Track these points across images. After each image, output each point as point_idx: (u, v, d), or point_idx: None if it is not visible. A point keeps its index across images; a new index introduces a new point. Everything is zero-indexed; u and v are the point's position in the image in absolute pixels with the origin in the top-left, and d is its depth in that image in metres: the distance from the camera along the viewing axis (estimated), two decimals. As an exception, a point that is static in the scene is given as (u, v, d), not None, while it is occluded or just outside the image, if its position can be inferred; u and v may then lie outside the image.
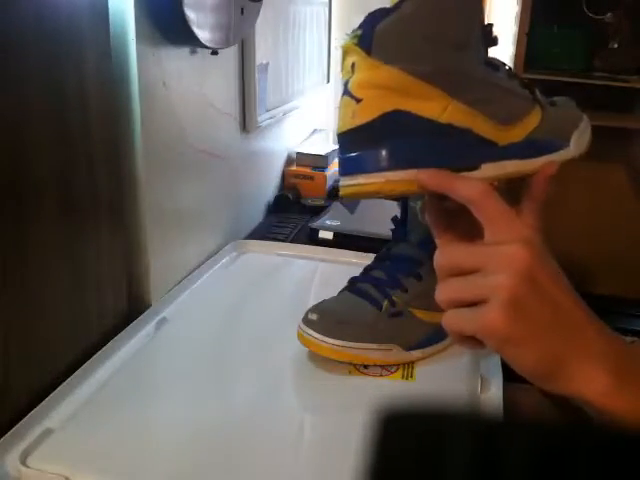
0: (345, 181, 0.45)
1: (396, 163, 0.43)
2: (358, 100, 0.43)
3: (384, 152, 0.43)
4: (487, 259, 0.41)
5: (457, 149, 0.43)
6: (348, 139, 0.44)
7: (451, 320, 0.43)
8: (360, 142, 0.43)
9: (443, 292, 0.43)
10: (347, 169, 0.45)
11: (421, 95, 0.42)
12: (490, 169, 0.44)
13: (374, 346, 0.66)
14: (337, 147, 0.46)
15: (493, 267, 0.40)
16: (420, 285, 0.69)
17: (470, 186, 0.42)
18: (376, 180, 0.43)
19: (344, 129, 0.44)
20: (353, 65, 0.43)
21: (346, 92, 0.44)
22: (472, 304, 0.41)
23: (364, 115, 0.43)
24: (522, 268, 0.40)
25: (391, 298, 0.69)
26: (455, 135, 0.43)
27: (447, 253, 0.44)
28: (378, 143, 0.43)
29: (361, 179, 0.43)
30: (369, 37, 0.42)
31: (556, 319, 0.41)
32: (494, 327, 0.40)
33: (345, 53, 0.44)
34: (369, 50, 0.42)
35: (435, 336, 0.70)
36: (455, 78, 0.43)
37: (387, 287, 0.70)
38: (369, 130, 0.43)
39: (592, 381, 0.40)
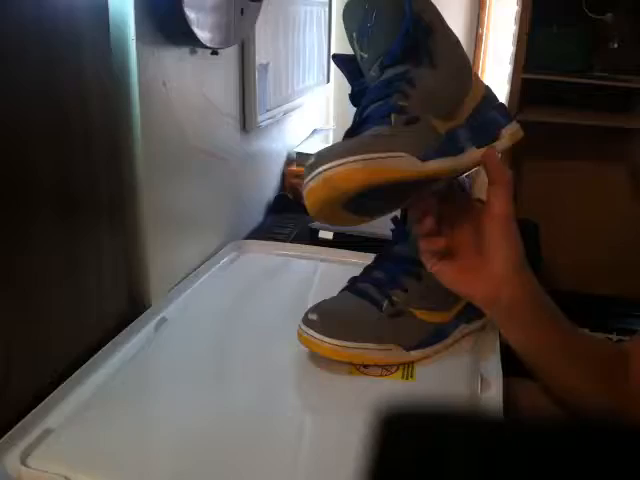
0: None
1: None
2: None
3: None
4: None
5: None
6: None
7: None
8: None
9: None
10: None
11: None
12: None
13: (374, 346, 0.66)
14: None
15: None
16: (420, 285, 0.69)
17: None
18: None
19: None
20: None
21: None
22: None
23: None
24: None
25: (391, 298, 0.69)
26: None
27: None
28: None
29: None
30: None
31: None
32: None
33: None
34: None
35: (435, 336, 0.70)
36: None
37: (387, 287, 0.69)
38: None
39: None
